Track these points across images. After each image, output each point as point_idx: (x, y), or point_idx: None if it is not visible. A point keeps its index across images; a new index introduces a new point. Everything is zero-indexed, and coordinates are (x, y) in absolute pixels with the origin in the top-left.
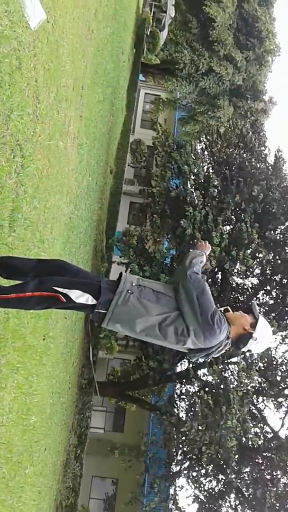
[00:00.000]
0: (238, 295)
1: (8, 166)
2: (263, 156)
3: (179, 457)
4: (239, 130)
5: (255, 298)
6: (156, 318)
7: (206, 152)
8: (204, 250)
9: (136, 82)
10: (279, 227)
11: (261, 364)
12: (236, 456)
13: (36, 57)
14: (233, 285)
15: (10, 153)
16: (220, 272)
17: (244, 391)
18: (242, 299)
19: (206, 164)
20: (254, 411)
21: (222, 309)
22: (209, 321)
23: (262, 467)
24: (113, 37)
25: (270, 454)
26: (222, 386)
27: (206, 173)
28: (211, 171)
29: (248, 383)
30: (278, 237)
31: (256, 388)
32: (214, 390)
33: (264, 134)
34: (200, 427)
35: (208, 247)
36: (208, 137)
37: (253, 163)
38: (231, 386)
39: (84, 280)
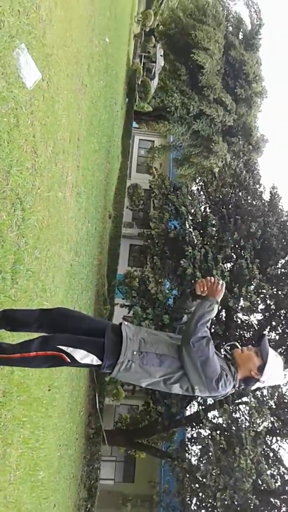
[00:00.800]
0: (244, 332)
1: (9, 219)
2: (258, 193)
3: (193, 507)
4: (233, 170)
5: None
6: (160, 379)
7: (202, 193)
8: (216, 296)
9: (130, 129)
10: (279, 261)
11: (272, 403)
12: (253, 500)
13: (33, 114)
14: (238, 322)
15: (10, 207)
16: (224, 310)
17: (257, 431)
18: (248, 336)
19: (203, 204)
20: (268, 452)
21: (229, 345)
22: (214, 386)
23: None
24: (106, 89)
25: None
26: (233, 427)
27: (204, 213)
28: (208, 210)
29: (260, 423)
30: (279, 272)
31: (269, 428)
32: (226, 432)
33: (258, 172)
34: (214, 471)
35: (221, 289)
36: (203, 178)
37: (249, 201)
38: (243, 426)
39: (89, 339)
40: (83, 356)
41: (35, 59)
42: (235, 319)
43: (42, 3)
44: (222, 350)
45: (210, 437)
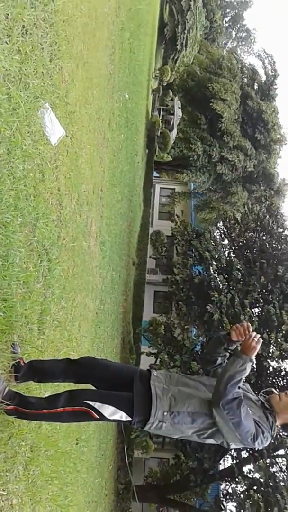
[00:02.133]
0: (277, 379)
1: (35, 271)
2: (283, 237)
3: None
4: (255, 214)
5: None
6: (193, 435)
7: (225, 238)
8: (250, 353)
9: (151, 179)
10: None
11: None
12: None
13: (57, 168)
14: (270, 370)
15: (37, 259)
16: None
17: None
18: (283, 383)
19: (227, 249)
20: None
21: (265, 392)
22: (250, 443)
23: None
24: (127, 142)
25: None
26: (271, 483)
27: (228, 258)
28: (232, 255)
29: None
30: None
31: None
32: (263, 488)
33: (281, 216)
34: None
35: (255, 346)
36: (226, 223)
37: (274, 245)
38: (281, 482)
39: (117, 394)
40: (111, 412)
41: (59, 117)
42: (266, 366)
43: (65, 65)
44: (259, 396)
45: (246, 493)
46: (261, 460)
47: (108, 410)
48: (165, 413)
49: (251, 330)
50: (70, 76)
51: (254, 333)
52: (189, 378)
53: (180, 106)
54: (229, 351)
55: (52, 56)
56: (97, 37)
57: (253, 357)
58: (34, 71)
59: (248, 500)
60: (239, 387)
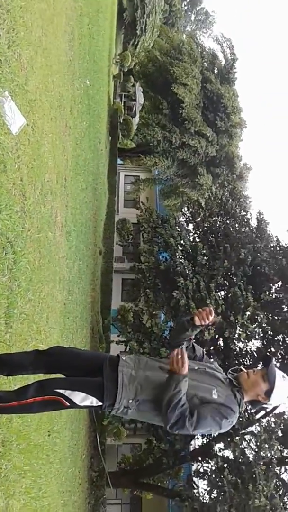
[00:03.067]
0: (243, 360)
1: (0, 264)
2: (245, 220)
3: None
4: (219, 199)
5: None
6: (158, 419)
7: (190, 223)
8: (179, 371)
9: (115, 166)
10: (272, 287)
11: (279, 431)
12: None
13: (19, 158)
14: (237, 350)
15: (1, 251)
16: (221, 339)
17: (267, 463)
18: (249, 363)
19: (192, 234)
20: (279, 483)
21: (234, 369)
22: (217, 430)
23: None
24: (90, 129)
25: None
26: (243, 460)
27: (193, 243)
28: (197, 240)
29: (271, 455)
30: (273, 297)
31: (279, 457)
32: (236, 467)
33: (244, 199)
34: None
35: (180, 361)
36: (190, 209)
37: (237, 228)
38: (252, 459)
39: (86, 380)
40: (82, 398)
41: (19, 105)
42: (233, 348)
43: (23, 52)
44: (228, 375)
45: (217, 470)
46: (236, 438)
47: (78, 397)
48: (130, 401)
49: (213, 314)
50: (29, 64)
51: (176, 351)
52: (158, 361)
53: (142, 92)
54: (194, 335)
55: (10, 43)
56: (55, 23)
57: (185, 371)
58: None
59: (219, 477)
60: (182, 405)
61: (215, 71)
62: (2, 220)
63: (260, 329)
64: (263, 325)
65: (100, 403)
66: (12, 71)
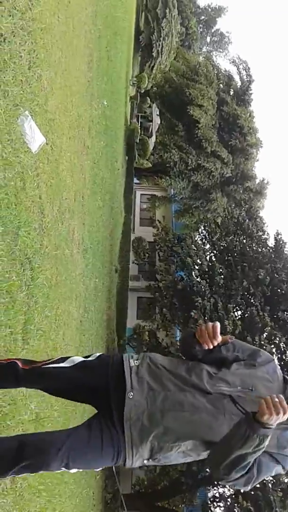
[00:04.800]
0: None
1: (18, 280)
2: (263, 240)
3: None
4: (235, 218)
5: None
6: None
7: (206, 242)
8: (269, 422)
9: (131, 185)
10: None
11: None
12: None
13: (38, 176)
14: None
15: (20, 268)
16: None
17: (284, 489)
18: None
19: (208, 253)
20: None
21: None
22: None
23: None
24: (107, 149)
25: None
26: (258, 486)
27: (210, 262)
28: (214, 259)
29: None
30: None
31: None
32: (252, 492)
33: (261, 219)
34: None
35: (276, 411)
36: (207, 228)
37: (255, 248)
38: (270, 486)
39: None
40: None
41: (39, 124)
42: None
43: (43, 73)
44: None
45: (233, 496)
46: None
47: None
48: (145, 461)
49: (218, 331)
50: (49, 84)
51: (274, 395)
52: (186, 375)
53: (158, 113)
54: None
55: (31, 64)
56: (75, 45)
57: (274, 424)
58: (13, 79)
59: (236, 504)
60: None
61: (231, 93)
62: (21, 237)
63: (278, 350)
64: (281, 345)
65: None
66: (33, 91)
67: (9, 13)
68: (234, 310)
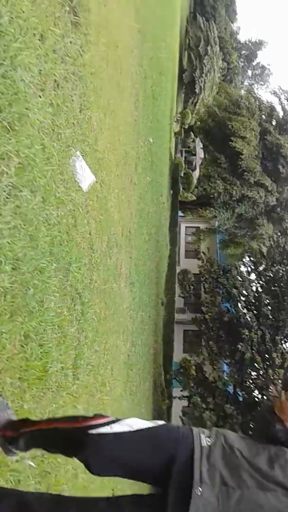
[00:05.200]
0: None
1: (69, 315)
2: None
3: None
4: (281, 247)
5: None
6: None
7: (252, 272)
8: None
9: (176, 218)
10: None
11: None
12: None
13: (88, 213)
14: None
15: (71, 303)
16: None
17: None
18: None
19: (254, 284)
20: None
21: None
22: None
23: None
24: (152, 184)
25: None
26: None
27: (256, 293)
28: (260, 290)
29: None
30: None
31: None
32: None
33: None
34: None
35: None
36: (252, 258)
37: None
38: None
39: None
40: None
41: (89, 164)
42: None
43: (93, 114)
44: None
45: None
46: None
47: None
48: None
49: None
50: (98, 125)
51: None
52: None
53: (201, 146)
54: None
55: (82, 107)
56: (122, 87)
57: None
58: (65, 122)
59: None
60: None
61: (274, 123)
62: (72, 272)
63: None
64: None
65: None
66: (83, 133)
67: (62, 60)
68: (283, 342)
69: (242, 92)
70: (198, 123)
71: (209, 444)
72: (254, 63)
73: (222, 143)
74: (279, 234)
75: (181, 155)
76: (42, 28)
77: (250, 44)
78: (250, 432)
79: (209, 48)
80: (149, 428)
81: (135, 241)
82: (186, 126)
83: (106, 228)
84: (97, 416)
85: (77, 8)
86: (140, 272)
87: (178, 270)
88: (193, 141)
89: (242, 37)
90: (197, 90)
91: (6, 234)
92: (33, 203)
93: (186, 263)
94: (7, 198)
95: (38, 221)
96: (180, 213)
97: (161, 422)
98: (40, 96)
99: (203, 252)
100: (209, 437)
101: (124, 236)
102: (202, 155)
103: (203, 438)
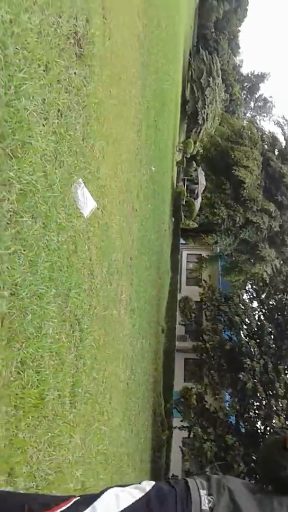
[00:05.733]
0: None
1: (68, 341)
2: None
3: None
4: (284, 276)
5: None
6: None
7: (254, 300)
8: None
9: (177, 246)
10: None
11: None
12: None
13: (89, 239)
14: None
15: (69, 329)
16: None
17: None
18: None
19: (257, 312)
20: None
21: None
22: None
23: None
24: (154, 211)
25: None
26: None
27: (258, 322)
28: (263, 318)
29: None
30: None
31: None
32: None
33: None
34: None
35: None
36: (254, 285)
37: None
38: None
39: None
40: None
41: (91, 190)
42: None
43: (96, 143)
44: None
45: None
46: None
47: None
48: None
49: None
50: (101, 153)
51: None
52: None
53: (204, 175)
54: None
55: (85, 136)
56: (125, 116)
57: None
58: (68, 150)
59: None
60: None
61: (276, 152)
62: (71, 298)
63: None
64: None
65: None
66: (86, 161)
67: (66, 90)
68: (286, 372)
69: (245, 122)
70: (201, 151)
71: (210, 506)
72: (256, 95)
73: (225, 172)
74: (281, 262)
75: (183, 184)
76: (47, 59)
77: (252, 76)
78: (257, 476)
79: (211, 80)
80: (138, 501)
81: (136, 267)
82: (188, 156)
83: (107, 255)
84: (70, 498)
85: (82, 41)
86: (140, 298)
87: (179, 297)
88: (195, 170)
89: (244, 70)
90: (200, 121)
91: (5, 259)
92: (33, 228)
93: (187, 290)
94: (8, 223)
95: (38, 246)
96: (181, 240)
97: (148, 487)
98: (43, 125)
99: (204, 280)
100: (210, 495)
101: (125, 263)
102: (204, 183)
103: (204, 498)
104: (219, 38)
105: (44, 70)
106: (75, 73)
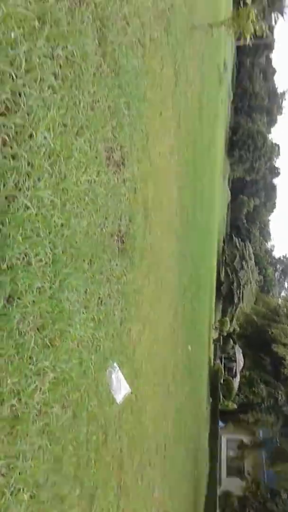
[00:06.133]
0: None
1: None
2: None
3: None
4: None
5: None
6: None
7: None
8: None
9: (216, 430)
10: None
11: None
12: None
13: (121, 427)
14: None
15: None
16: None
17: None
18: None
19: None
20: None
21: None
22: None
23: None
24: (190, 392)
25: None
26: None
27: None
28: None
29: None
30: None
31: None
32: None
33: None
34: None
35: None
36: None
37: None
38: None
39: None
40: None
41: (125, 373)
42: None
43: (133, 327)
44: None
45: None
46: None
47: None
48: None
49: None
50: (137, 336)
51: None
52: None
53: (241, 352)
54: None
55: (122, 320)
56: (162, 301)
57: None
58: (105, 335)
59: None
60: None
61: None
62: (97, 498)
63: None
64: None
65: None
66: (122, 344)
67: (107, 280)
68: None
69: (280, 301)
70: (238, 328)
71: None
72: None
73: (263, 348)
74: None
75: (221, 362)
76: (92, 254)
77: (284, 259)
78: None
79: (244, 263)
80: None
81: (171, 458)
82: (225, 333)
83: (139, 444)
84: None
85: (124, 237)
86: (174, 497)
87: (219, 491)
88: (232, 347)
89: (277, 254)
90: (235, 300)
91: (29, 456)
92: (63, 419)
93: (228, 483)
94: (37, 415)
95: (66, 439)
96: (220, 423)
97: None
98: (83, 312)
99: (247, 472)
100: None
101: (158, 454)
102: (242, 361)
103: None
104: (250, 227)
105: (88, 264)
106: (116, 264)
